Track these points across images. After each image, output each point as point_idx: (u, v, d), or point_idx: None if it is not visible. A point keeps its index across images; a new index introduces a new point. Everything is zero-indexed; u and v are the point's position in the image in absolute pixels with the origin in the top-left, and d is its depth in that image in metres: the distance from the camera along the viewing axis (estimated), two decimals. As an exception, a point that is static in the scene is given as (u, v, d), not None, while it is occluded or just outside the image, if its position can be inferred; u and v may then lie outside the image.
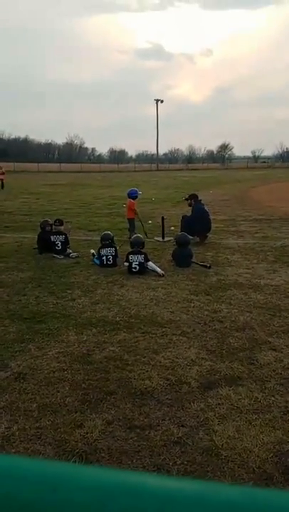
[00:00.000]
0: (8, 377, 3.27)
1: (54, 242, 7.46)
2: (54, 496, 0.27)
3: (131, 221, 9.12)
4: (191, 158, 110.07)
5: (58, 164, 69.88)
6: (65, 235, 7.64)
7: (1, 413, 2.79)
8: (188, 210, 9.20)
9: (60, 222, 7.94)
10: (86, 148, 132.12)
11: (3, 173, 25.97)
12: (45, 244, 7.58)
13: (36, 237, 8.00)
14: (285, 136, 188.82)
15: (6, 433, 2.58)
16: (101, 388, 3.09)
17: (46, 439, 2.54)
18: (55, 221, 7.96)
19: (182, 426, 2.65)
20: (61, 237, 7.51)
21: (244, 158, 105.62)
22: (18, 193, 22.68)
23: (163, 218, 9.00)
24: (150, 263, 6.31)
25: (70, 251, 7.55)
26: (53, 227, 7.82)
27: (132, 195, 9.13)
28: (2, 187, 25.12)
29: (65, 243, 7.53)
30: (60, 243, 7.46)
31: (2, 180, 25.53)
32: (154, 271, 6.20)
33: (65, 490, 0.27)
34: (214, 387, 3.09)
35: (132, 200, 9.09)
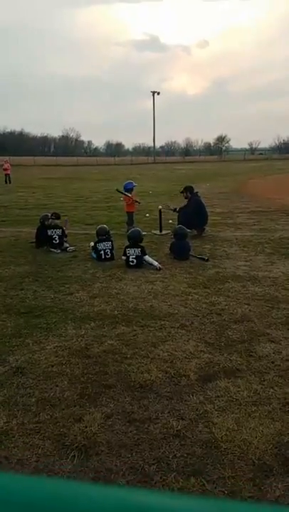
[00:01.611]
0: (7, 371, 3.26)
1: (51, 236, 7.43)
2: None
3: (129, 215, 9.07)
4: (188, 151, 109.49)
5: (54, 157, 69.52)
6: (62, 228, 7.60)
7: (-1, 408, 2.78)
8: (185, 203, 9.15)
9: (57, 216, 7.89)
10: (82, 142, 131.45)
11: (6, 169, 25.80)
12: (43, 239, 7.55)
13: (35, 231, 7.95)
14: (282, 128, 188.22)
15: (5, 428, 2.57)
16: (100, 382, 3.08)
17: (45, 433, 2.53)
18: (51, 215, 7.90)
19: (181, 419, 2.64)
20: (58, 231, 7.48)
21: (241, 150, 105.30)
22: (15, 187, 22.56)
23: (160, 211, 8.96)
24: (147, 257, 6.28)
25: (68, 245, 7.52)
26: (50, 220, 7.76)
27: (128, 188, 9.03)
28: (9, 181, 25.02)
29: (62, 237, 7.51)
30: (57, 237, 7.43)
31: (8, 174, 25.41)
32: (151, 264, 6.18)
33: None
34: (213, 379, 3.09)
35: (129, 194, 9.02)
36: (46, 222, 7.80)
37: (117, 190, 9.36)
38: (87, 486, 0.27)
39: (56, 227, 7.57)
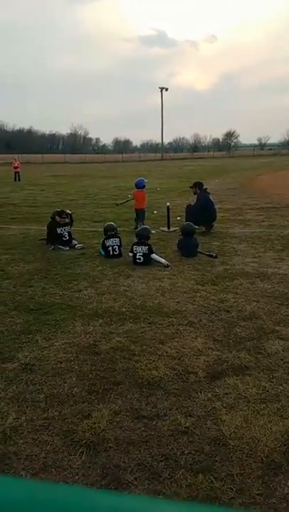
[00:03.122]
0: (16, 368, 3.29)
1: (61, 233, 7.47)
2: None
3: (138, 212, 9.06)
4: (196, 147, 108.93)
5: (63, 155, 69.69)
6: (71, 225, 7.67)
7: (8, 404, 2.80)
8: (193, 200, 9.12)
9: (66, 215, 7.89)
10: (90, 139, 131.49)
11: (16, 167, 25.95)
12: (53, 236, 7.60)
13: (46, 228, 7.96)
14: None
15: (14, 424, 2.60)
16: (108, 379, 3.09)
17: (54, 429, 2.55)
18: (60, 214, 7.87)
19: (190, 416, 2.64)
20: (67, 228, 7.55)
21: (250, 145, 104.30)
22: (24, 185, 22.68)
23: (168, 208, 8.94)
24: (154, 255, 6.27)
25: (76, 242, 7.56)
26: (59, 219, 7.76)
27: (140, 185, 9.05)
28: (18, 179, 25.23)
29: (72, 234, 7.57)
30: (67, 234, 7.49)
31: (18, 172, 25.61)
32: (159, 262, 6.17)
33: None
34: (221, 376, 3.08)
35: (140, 190, 9.02)
36: (58, 220, 7.78)
37: (117, 204, 9.56)
38: (87, 491, 0.27)
39: (65, 224, 7.62)
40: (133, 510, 0.27)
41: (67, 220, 7.73)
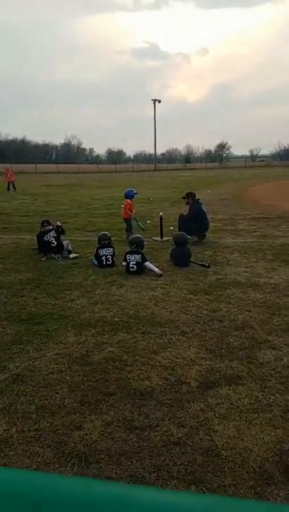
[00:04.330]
0: (7, 379, 3.25)
1: (48, 240, 7.46)
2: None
3: (127, 221, 9.16)
4: (189, 158, 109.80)
5: (56, 165, 69.82)
6: (55, 229, 7.66)
7: (-1, 415, 2.77)
8: (186, 210, 9.19)
9: (48, 223, 7.88)
10: (84, 149, 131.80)
11: (10, 176, 25.92)
12: (42, 245, 7.58)
13: (36, 238, 7.95)
14: (283, 135, 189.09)
15: (5, 435, 2.56)
16: (100, 389, 3.07)
17: (45, 441, 2.52)
18: (42, 223, 7.88)
19: (182, 426, 2.63)
20: (52, 233, 7.54)
21: (242, 157, 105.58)
22: (16, 194, 22.66)
23: (161, 218, 8.99)
24: (147, 263, 6.29)
25: (71, 249, 7.54)
26: (42, 228, 7.74)
27: (129, 195, 9.22)
28: (13, 188, 25.18)
29: (59, 238, 7.53)
30: (53, 239, 7.47)
31: (12, 182, 25.57)
32: (152, 271, 6.18)
33: (52, 505, 0.25)
34: (214, 386, 3.08)
35: (129, 201, 9.15)
36: (41, 229, 7.78)
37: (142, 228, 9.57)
38: (86, 481, 0.27)
39: (49, 230, 7.60)
40: (141, 500, 0.28)
41: (50, 227, 7.72)
